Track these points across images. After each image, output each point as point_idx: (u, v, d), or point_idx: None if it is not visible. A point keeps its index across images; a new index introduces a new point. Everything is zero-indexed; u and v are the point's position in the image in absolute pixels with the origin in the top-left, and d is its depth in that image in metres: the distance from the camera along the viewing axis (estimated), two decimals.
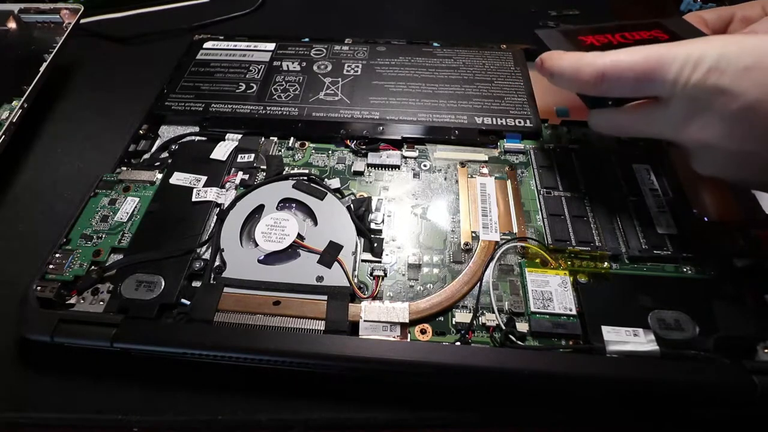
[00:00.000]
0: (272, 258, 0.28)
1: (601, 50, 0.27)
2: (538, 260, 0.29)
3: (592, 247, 0.29)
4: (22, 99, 0.36)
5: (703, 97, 0.22)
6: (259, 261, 0.28)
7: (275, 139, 0.36)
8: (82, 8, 0.45)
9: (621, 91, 0.25)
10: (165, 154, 0.36)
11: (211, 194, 0.31)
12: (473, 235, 0.30)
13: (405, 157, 0.35)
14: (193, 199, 0.31)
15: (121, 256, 0.28)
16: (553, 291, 0.27)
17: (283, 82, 0.40)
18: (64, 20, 0.45)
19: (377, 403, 0.25)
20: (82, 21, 0.45)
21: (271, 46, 0.44)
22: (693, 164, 0.26)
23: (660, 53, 0.23)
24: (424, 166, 0.34)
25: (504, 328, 0.25)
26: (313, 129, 0.36)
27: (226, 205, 0.31)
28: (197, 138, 0.37)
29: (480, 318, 0.26)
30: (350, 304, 0.26)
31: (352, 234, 0.29)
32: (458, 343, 0.25)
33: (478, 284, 0.27)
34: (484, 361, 0.23)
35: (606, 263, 0.28)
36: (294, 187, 0.32)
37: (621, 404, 0.25)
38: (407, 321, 0.25)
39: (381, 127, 0.36)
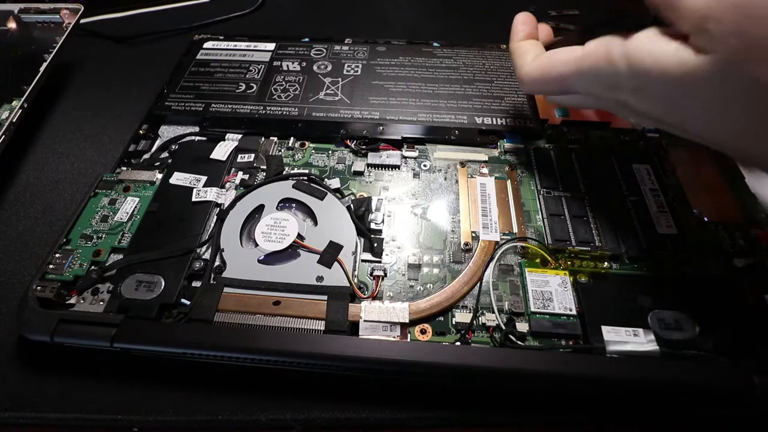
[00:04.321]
0: (272, 258, 0.28)
1: None
2: (538, 260, 0.29)
3: (592, 247, 0.29)
4: (22, 99, 0.36)
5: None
6: (259, 261, 0.28)
7: (275, 139, 0.36)
8: (82, 8, 0.45)
9: None
10: (165, 154, 0.36)
11: (211, 194, 0.31)
12: (473, 235, 0.30)
13: (405, 157, 0.35)
14: (193, 199, 0.31)
15: (121, 256, 0.28)
16: (553, 291, 0.27)
17: (283, 82, 0.40)
18: (64, 20, 0.45)
19: (377, 403, 0.25)
20: (82, 21, 0.45)
21: (271, 46, 0.44)
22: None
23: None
24: (424, 166, 0.34)
25: (504, 328, 0.25)
26: (313, 129, 0.36)
27: (226, 205, 0.31)
28: (197, 138, 0.37)
29: (480, 318, 0.26)
30: (350, 304, 0.26)
31: (352, 234, 0.29)
32: (458, 343, 0.25)
33: (478, 284, 0.27)
34: (484, 361, 0.23)
35: (606, 263, 0.28)
36: (294, 187, 0.32)
37: (621, 404, 0.25)
38: (407, 321, 0.25)
39: (381, 127, 0.36)
